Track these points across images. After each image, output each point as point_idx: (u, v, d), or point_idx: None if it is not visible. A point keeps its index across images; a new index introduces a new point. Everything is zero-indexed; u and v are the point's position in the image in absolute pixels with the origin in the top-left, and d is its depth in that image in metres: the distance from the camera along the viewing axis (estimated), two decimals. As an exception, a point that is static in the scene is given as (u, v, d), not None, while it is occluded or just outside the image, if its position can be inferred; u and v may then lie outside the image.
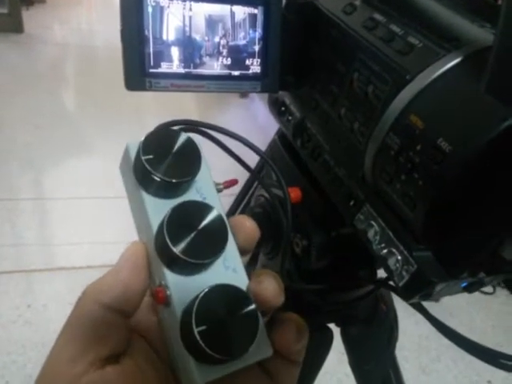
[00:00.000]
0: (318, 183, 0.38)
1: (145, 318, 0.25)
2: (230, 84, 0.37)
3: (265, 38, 0.37)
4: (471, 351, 0.36)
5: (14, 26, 2.83)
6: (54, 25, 3.25)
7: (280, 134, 0.45)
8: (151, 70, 0.34)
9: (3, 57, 2.66)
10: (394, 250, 0.29)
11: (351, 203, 0.34)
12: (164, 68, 0.34)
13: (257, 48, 0.37)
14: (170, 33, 0.34)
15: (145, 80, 0.34)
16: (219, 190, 0.27)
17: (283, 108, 0.42)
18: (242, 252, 0.25)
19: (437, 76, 0.28)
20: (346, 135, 0.34)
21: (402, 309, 0.52)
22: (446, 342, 0.38)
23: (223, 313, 0.21)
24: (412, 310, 0.38)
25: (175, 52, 0.35)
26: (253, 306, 0.22)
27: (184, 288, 0.23)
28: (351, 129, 0.33)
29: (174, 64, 0.35)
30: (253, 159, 0.35)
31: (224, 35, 0.36)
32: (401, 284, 0.28)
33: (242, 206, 0.61)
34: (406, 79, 0.29)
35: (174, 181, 0.23)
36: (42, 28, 3.07)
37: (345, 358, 0.54)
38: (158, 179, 0.23)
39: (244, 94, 2.77)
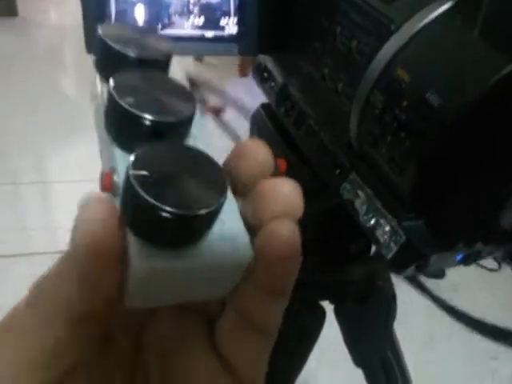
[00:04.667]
0: (303, 153, 0.36)
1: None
2: (203, 46, 0.34)
3: (240, -6, 0.34)
4: (477, 329, 0.33)
5: (8, 9, 2.78)
6: (49, 7, 3.20)
7: (264, 104, 0.42)
8: (114, 32, 0.31)
9: (-2, 41, 2.62)
10: (381, 221, 0.26)
11: (337, 172, 0.31)
12: (129, 29, 0.31)
13: (232, 5, 0.34)
14: (133, -11, 0.31)
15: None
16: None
17: (266, 74, 0.39)
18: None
19: (424, 24, 0.25)
20: (330, 97, 0.31)
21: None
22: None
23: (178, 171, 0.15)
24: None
25: (140, 11, 0.31)
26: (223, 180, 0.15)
27: None
28: (335, 90, 0.30)
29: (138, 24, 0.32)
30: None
31: (194, -9, 0.33)
32: (389, 256, 0.25)
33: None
34: (391, 30, 0.26)
35: None
36: (36, 11, 3.01)
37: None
38: None
39: (243, 73, 2.72)
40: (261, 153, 0.17)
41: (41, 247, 1.35)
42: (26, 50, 2.59)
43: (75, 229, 0.15)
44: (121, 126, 0.17)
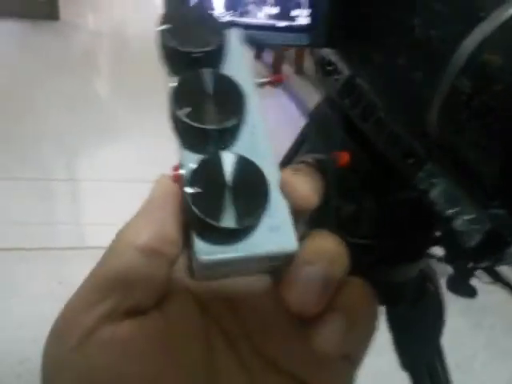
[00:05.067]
0: (369, 146, 0.35)
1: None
2: (274, 36, 0.35)
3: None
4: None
5: (51, 13, 2.87)
6: (88, 13, 3.29)
7: (325, 97, 0.42)
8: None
9: (39, 43, 2.70)
10: (462, 209, 0.26)
11: (410, 161, 0.31)
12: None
13: (305, -4, 0.34)
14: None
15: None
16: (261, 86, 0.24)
17: (329, 67, 0.39)
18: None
19: (517, 10, 0.24)
20: (405, 88, 0.31)
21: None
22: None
23: (226, 180, 0.19)
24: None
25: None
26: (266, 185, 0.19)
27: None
28: (411, 80, 0.30)
29: (217, 12, 0.32)
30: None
31: (271, -19, 0.33)
32: (472, 245, 0.25)
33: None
34: (479, 16, 0.26)
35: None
36: (76, 16, 3.10)
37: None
38: None
39: (274, 84, 2.73)
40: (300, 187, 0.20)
41: (68, 242, 1.37)
42: (65, 53, 2.67)
43: (153, 186, 0.20)
44: (181, 133, 0.21)
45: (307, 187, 0.20)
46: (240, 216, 0.18)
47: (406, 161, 0.31)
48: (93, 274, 0.19)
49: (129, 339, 0.18)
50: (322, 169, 0.38)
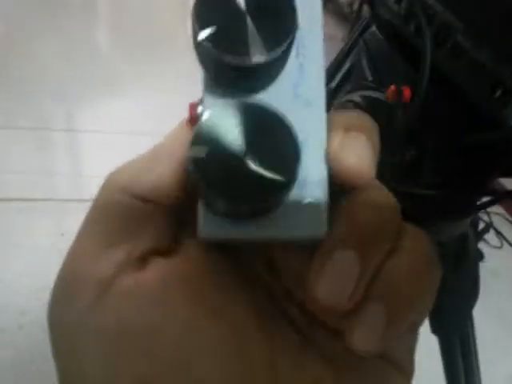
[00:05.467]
0: (440, 78, 0.30)
1: None
2: None
3: None
4: None
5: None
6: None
7: (379, 24, 0.36)
8: None
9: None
10: None
11: (497, 94, 0.26)
12: None
13: None
14: None
15: None
16: None
17: (391, -14, 0.34)
18: None
19: None
20: (494, 3, 0.26)
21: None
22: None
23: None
24: None
25: None
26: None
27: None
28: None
29: None
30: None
31: None
32: None
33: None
34: None
35: None
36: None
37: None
38: None
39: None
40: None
41: (66, 194, 1.33)
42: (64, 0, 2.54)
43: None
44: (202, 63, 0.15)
45: (360, 160, 0.15)
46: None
47: (490, 93, 0.26)
48: (89, 223, 0.17)
49: (155, 285, 0.16)
50: (376, 111, 0.33)
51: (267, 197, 0.14)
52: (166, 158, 0.16)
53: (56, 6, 2.47)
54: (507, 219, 1.58)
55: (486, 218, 1.36)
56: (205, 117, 0.14)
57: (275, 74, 0.15)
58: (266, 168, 0.14)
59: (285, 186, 0.14)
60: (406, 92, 0.31)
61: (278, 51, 0.14)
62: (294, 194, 0.15)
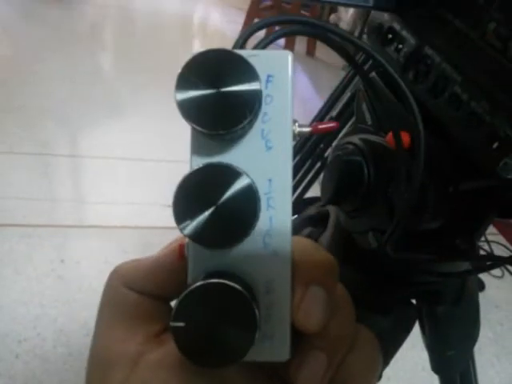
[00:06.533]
0: (435, 126, 0.31)
1: None
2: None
3: None
4: None
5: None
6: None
7: (378, 71, 0.37)
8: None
9: (45, 15, 2.63)
10: None
11: (494, 146, 0.26)
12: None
13: None
14: None
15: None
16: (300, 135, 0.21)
17: (390, 35, 0.35)
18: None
19: None
20: (494, 58, 0.26)
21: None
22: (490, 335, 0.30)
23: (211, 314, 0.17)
24: None
25: None
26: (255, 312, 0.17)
27: (201, 260, 0.19)
28: (503, 48, 0.26)
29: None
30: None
31: None
32: None
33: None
34: None
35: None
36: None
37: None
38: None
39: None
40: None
41: (68, 219, 1.33)
42: (71, 26, 2.59)
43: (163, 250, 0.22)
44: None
45: (316, 312, 0.18)
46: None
47: (487, 145, 0.27)
48: (106, 314, 0.21)
49: (174, 357, 0.18)
50: (379, 156, 0.34)
51: (236, 356, 0.17)
52: (162, 266, 0.21)
53: (65, 32, 2.52)
54: (508, 248, 1.58)
55: (486, 246, 1.35)
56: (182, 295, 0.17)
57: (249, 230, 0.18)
58: (231, 334, 0.17)
59: (247, 345, 0.17)
60: (405, 138, 0.32)
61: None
62: (264, 327, 0.18)
